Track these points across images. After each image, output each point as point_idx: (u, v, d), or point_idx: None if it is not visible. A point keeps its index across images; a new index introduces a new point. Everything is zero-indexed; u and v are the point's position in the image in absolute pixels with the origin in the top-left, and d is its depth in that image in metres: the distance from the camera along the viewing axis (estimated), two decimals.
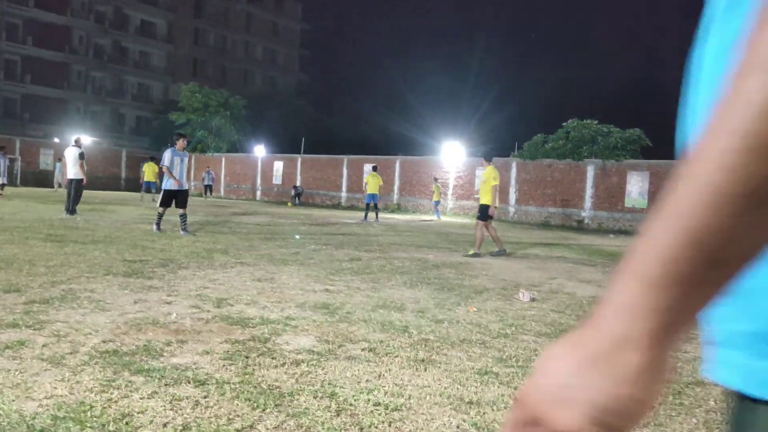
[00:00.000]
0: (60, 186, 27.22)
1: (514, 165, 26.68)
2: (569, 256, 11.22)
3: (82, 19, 54.10)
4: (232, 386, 3.03)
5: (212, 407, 2.75)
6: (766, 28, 0.38)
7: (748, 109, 0.38)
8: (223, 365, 3.37)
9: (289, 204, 31.11)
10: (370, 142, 38.06)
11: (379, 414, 2.79)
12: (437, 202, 25.01)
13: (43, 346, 3.51)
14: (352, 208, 30.10)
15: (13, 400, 2.68)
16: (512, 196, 26.66)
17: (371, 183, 18.95)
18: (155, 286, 5.59)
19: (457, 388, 3.22)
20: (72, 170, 13.59)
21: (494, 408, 2.96)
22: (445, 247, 11.64)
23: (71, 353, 3.41)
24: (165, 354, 3.52)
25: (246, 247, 9.40)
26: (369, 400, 2.96)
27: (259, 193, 36.92)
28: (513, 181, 26.64)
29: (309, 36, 71.05)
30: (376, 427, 2.64)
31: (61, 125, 45.43)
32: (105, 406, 2.69)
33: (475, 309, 5.42)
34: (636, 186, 23.62)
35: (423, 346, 4.05)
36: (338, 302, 5.36)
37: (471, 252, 10.09)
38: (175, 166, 10.87)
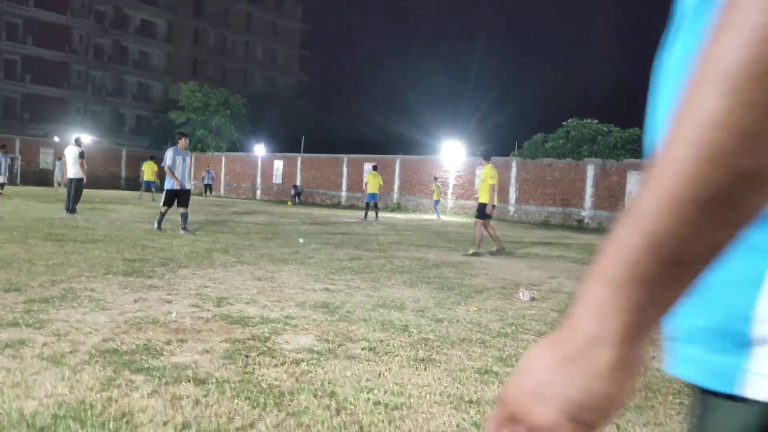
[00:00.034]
0: (60, 185, 27.23)
1: (514, 164, 26.68)
2: (569, 256, 11.22)
3: (82, 18, 54.09)
4: (232, 385, 3.03)
5: (212, 406, 2.75)
6: (720, 39, 0.40)
7: (701, 121, 0.40)
8: (223, 364, 3.37)
9: (289, 203, 31.11)
10: (370, 141, 38.06)
11: (379, 413, 2.79)
12: (437, 202, 25.02)
13: (44, 345, 3.51)
14: (352, 207, 30.09)
15: (14, 399, 2.68)
16: (512, 196, 26.66)
17: (371, 182, 18.96)
18: (155, 285, 5.59)
19: (457, 388, 3.22)
20: (72, 169, 13.59)
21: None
22: (445, 246, 11.64)
23: (71, 352, 3.41)
24: (165, 353, 3.52)
25: (246, 246, 9.41)
26: (369, 399, 2.96)
27: (259, 192, 36.93)
28: (513, 181, 26.64)
29: (309, 36, 71.09)
30: (376, 426, 2.64)
31: (61, 125, 45.43)
32: (105, 404, 2.69)
33: (475, 308, 5.42)
34: (636, 185, 23.43)
35: (423, 345, 4.05)
36: (338, 301, 5.36)
37: (471, 251, 10.09)
38: (177, 165, 10.83)
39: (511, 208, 26.60)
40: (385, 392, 3.08)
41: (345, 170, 32.81)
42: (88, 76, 55.08)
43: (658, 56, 0.61)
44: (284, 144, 38.46)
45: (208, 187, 32.19)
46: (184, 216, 10.85)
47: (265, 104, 44.65)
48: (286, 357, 3.59)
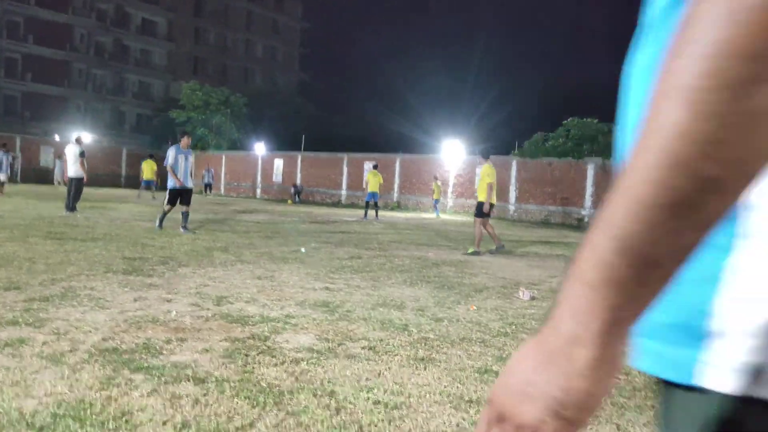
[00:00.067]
0: (60, 183, 27.23)
1: (514, 163, 26.67)
2: (569, 255, 11.22)
3: (83, 17, 54.10)
4: (232, 384, 3.03)
5: (212, 405, 2.75)
6: (680, 52, 0.42)
7: (665, 131, 0.42)
8: (223, 363, 3.37)
9: (289, 202, 31.11)
10: (371, 140, 38.09)
11: (379, 412, 2.79)
12: (437, 201, 25.02)
13: (43, 343, 3.51)
14: (352, 206, 30.08)
15: (13, 398, 2.68)
16: (512, 195, 26.65)
17: (372, 181, 18.96)
18: (155, 284, 5.59)
19: (457, 387, 3.22)
20: (72, 168, 13.59)
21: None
22: (445, 245, 11.64)
23: (71, 351, 3.41)
24: (165, 352, 3.52)
25: (246, 244, 9.41)
26: (368, 398, 2.96)
27: (259, 190, 36.92)
28: (513, 180, 26.63)
29: (309, 34, 71.13)
30: (376, 426, 2.64)
31: (62, 123, 45.45)
32: (105, 403, 2.69)
33: (475, 307, 5.42)
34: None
35: (423, 344, 4.05)
36: (338, 300, 5.36)
37: (470, 250, 10.09)
38: (180, 164, 10.79)
39: (511, 207, 26.59)
40: (385, 391, 3.08)
41: (345, 169, 32.80)
42: (88, 74, 55.10)
43: (627, 61, 0.62)
44: (284, 143, 38.45)
45: (208, 186, 32.18)
46: (185, 214, 10.84)
47: (266, 103, 44.65)
48: (285, 356, 3.58)
